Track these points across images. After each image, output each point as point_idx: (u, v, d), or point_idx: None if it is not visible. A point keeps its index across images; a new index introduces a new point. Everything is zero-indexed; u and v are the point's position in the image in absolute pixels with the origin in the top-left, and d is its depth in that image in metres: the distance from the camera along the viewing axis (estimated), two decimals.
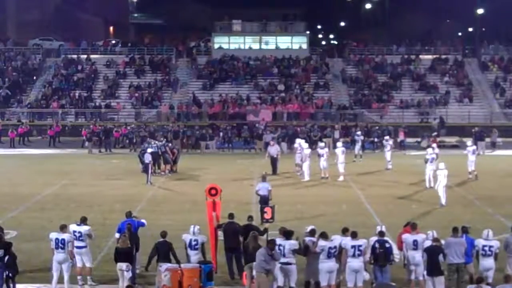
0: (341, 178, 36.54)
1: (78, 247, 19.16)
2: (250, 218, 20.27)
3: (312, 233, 18.31)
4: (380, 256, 17.71)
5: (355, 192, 33.47)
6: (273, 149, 38.99)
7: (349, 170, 38.10)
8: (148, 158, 35.69)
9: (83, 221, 19.56)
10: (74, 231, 19.25)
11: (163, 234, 18.84)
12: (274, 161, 38.53)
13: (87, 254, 19.35)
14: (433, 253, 17.62)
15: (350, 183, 35.88)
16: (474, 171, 36.67)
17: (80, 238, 19.20)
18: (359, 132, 46.48)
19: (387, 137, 42.32)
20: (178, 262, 18.36)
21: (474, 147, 38.19)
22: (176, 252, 18.59)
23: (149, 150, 36.98)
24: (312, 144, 44.48)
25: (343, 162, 36.99)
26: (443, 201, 29.51)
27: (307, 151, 36.74)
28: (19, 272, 18.47)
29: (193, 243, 18.83)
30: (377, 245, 17.81)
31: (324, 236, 17.90)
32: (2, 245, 18.15)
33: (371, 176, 38.30)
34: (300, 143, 38.34)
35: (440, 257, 17.57)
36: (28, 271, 20.09)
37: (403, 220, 21.54)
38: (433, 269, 17.60)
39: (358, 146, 44.68)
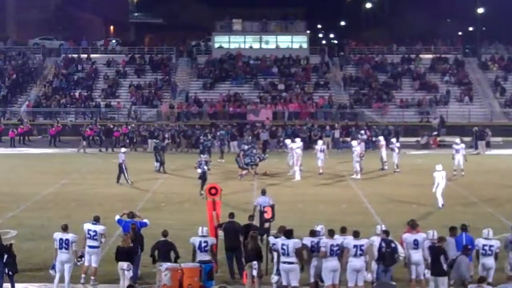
0: (354, 175, 37.08)
1: (92, 247, 19.13)
2: (251, 217, 20.28)
3: (312, 234, 18.33)
4: (387, 256, 17.68)
5: (355, 191, 33.47)
6: (360, 149, 38.91)
7: (350, 170, 38.05)
8: (121, 157, 35.44)
9: (97, 220, 19.50)
10: (89, 230, 19.20)
11: (165, 234, 18.78)
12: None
13: (97, 254, 19.30)
14: (435, 253, 17.59)
15: (350, 182, 35.91)
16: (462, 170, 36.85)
17: (95, 237, 19.14)
18: (362, 131, 46.48)
19: (381, 137, 42.08)
20: (178, 257, 18.35)
21: (463, 145, 38.25)
22: (179, 255, 18.52)
23: (123, 149, 36.86)
24: (312, 143, 44.63)
25: (358, 161, 37.32)
26: (440, 203, 29.20)
27: (298, 151, 36.87)
28: (18, 271, 18.46)
29: (203, 244, 18.51)
30: (383, 244, 17.77)
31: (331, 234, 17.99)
32: (5, 249, 18.19)
33: (371, 175, 38.27)
34: (287, 143, 39.14)
35: (441, 258, 17.50)
36: (28, 270, 20.08)
37: (403, 220, 21.52)
38: (435, 269, 17.57)
39: (361, 145, 44.63)
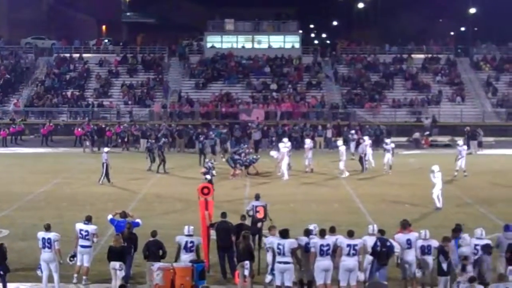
0: (341, 174, 37.26)
1: (83, 246, 19.14)
2: (243, 217, 20.28)
3: (306, 233, 18.31)
4: (382, 255, 17.71)
5: (347, 191, 33.48)
6: (360, 148, 39.41)
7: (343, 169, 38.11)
8: (104, 157, 35.23)
9: (89, 220, 19.49)
10: (81, 230, 19.20)
11: (154, 234, 18.79)
12: (361, 159, 39.04)
13: (89, 254, 19.31)
14: (437, 253, 17.71)
15: (342, 181, 35.92)
16: (464, 171, 36.84)
17: (86, 237, 19.15)
18: (353, 131, 46.54)
19: (366, 137, 42.04)
20: (164, 256, 18.41)
21: (465, 147, 38.16)
22: (166, 251, 18.53)
23: (106, 149, 36.65)
24: (304, 143, 44.73)
25: (344, 160, 37.53)
26: (437, 204, 29.03)
27: (284, 149, 36.94)
28: (10, 271, 18.43)
29: (189, 245, 18.57)
30: (378, 243, 17.81)
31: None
32: None
33: (363, 175, 38.24)
34: (272, 155, 39.03)
35: (440, 257, 17.54)
36: (20, 270, 20.04)
37: (395, 220, 21.54)
38: (437, 269, 17.68)
39: (352, 145, 44.68)
